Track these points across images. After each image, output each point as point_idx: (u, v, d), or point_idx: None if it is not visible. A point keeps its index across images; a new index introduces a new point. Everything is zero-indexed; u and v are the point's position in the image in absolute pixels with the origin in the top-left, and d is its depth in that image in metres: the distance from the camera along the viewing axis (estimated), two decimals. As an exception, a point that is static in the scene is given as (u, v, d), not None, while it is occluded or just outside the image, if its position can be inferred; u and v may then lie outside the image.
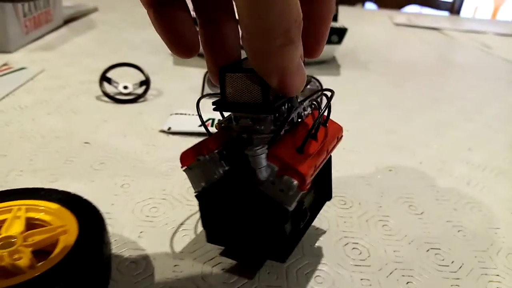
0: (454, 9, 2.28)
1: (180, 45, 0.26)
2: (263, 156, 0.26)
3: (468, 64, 1.12)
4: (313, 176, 0.28)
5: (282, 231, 0.29)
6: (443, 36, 1.46)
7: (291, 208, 0.27)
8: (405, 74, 0.96)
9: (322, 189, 0.36)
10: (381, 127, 0.65)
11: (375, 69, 0.98)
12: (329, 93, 0.31)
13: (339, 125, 0.33)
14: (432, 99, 0.80)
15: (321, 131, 0.30)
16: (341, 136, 0.33)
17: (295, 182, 0.26)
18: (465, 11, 2.43)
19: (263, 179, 0.27)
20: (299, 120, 0.31)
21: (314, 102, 0.32)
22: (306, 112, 0.31)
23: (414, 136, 0.63)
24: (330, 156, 0.33)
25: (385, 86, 0.86)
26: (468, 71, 1.04)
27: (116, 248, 0.35)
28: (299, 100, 0.30)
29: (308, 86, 0.29)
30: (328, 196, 0.37)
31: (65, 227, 0.30)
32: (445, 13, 2.22)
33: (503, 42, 1.43)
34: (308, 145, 0.28)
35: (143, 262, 0.34)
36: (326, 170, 0.36)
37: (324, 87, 0.34)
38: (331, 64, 0.97)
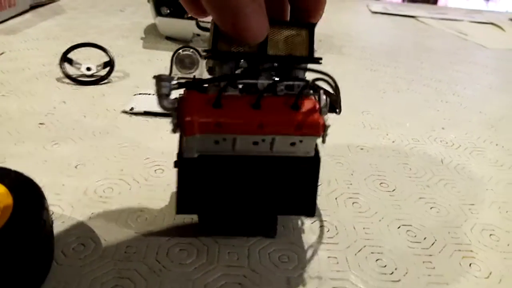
0: (431, 1, 2.28)
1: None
2: (166, 85, 0.26)
3: (443, 49, 1.12)
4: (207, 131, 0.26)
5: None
6: (419, 23, 1.46)
7: (185, 155, 0.27)
8: (380, 58, 0.95)
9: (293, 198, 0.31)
10: (355, 108, 0.63)
11: (351, 53, 0.96)
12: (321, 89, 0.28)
13: (319, 121, 0.27)
14: (407, 81, 0.79)
15: (280, 109, 0.27)
16: (310, 132, 0.27)
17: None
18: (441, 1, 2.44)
19: (161, 104, 0.26)
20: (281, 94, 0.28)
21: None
22: (280, 88, 0.28)
23: (388, 116, 0.61)
24: (315, 168, 0.29)
25: (359, 70, 0.85)
26: (443, 56, 1.03)
27: (63, 229, 0.33)
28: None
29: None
30: (308, 211, 0.31)
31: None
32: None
33: (478, 29, 1.43)
34: (234, 105, 0.26)
35: (92, 244, 0.31)
36: (303, 178, 0.30)
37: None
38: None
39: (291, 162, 0.28)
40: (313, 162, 0.29)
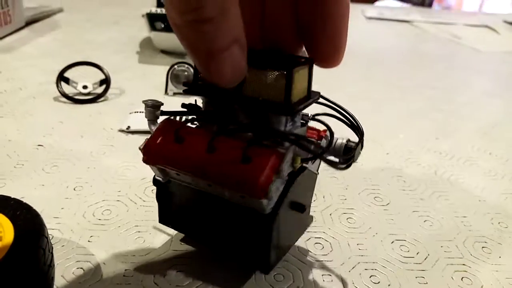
0: (426, 3, 2.30)
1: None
2: (152, 111, 0.28)
3: (437, 54, 1.13)
4: (158, 164, 0.28)
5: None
6: (413, 28, 1.47)
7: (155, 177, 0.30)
8: (375, 65, 0.96)
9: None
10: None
11: (344, 61, 0.96)
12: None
13: (257, 183, 0.23)
14: (401, 89, 0.80)
15: (230, 159, 0.24)
16: (249, 193, 0.24)
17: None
18: (436, 5, 2.46)
19: (150, 128, 0.29)
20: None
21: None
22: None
23: (382, 127, 0.62)
24: (268, 226, 0.26)
25: (353, 79, 0.85)
26: (437, 61, 1.04)
27: (63, 254, 0.33)
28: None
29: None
30: (262, 267, 0.30)
31: (0, 234, 0.28)
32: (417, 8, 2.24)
33: (471, 32, 1.44)
34: (193, 144, 0.26)
35: (91, 268, 0.32)
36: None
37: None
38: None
39: (244, 212, 0.26)
40: (266, 220, 0.25)
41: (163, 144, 0.27)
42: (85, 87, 0.64)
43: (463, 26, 1.52)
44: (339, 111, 0.32)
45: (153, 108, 0.28)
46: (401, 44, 1.23)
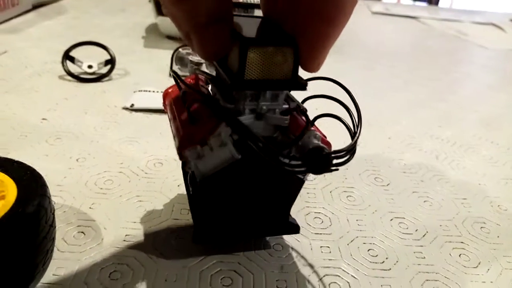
0: (433, 0, 2.29)
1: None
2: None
3: (442, 49, 1.12)
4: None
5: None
6: (419, 24, 1.46)
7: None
8: (379, 58, 0.95)
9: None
10: (350, 105, 0.63)
11: (349, 53, 0.97)
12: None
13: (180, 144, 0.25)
14: (404, 80, 0.80)
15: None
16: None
17: None
18: (443, 2, 2.45)
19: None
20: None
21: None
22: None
23: (384, 113, 0.62)
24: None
25: (356, 68, 0.85)
26: (442, 56, 1.04)
27: (64, 219, 0.34)
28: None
29: None
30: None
31: (3, 193, 0.28)
32: (424, 4, 2.23)
33: (478, 29, 1.43)
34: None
35: (92, 232, 0.32)
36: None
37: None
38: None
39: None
40: (199, 184, 0.26)
41: (173, 91, 0.30)
42: (90, 66, 0.65)
43: (469, 23, 1.52)
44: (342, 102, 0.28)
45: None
46: (407, 39, 1.23)
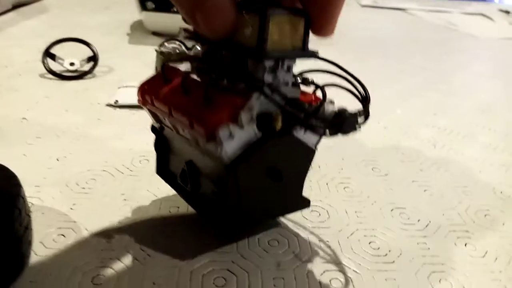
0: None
1: None
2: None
3: (433, 40, 1.11)
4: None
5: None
6: (408, 15, 1.45)
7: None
8: (370, 50, 0.94)
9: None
10: (344, 96, 0.61)
11: (340, 46, 0.95)
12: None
13: (207, 122, 0.23)
14: (396, 71, 0.78)
15: (197, 100, 0.24)
16: (199, 133, 0.24)
17: None
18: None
19: None
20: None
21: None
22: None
23: (379, 103, 0.60)
24: (228, 179, 0.25)
25: (349, 61, 0.84)
26: (434, 46, 1.03)
27: (43, 221, 0.31)
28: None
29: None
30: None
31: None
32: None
33: (468, 20, 1.43)
34: (175, 82, 0.26)
35: (73, 234, 0.30)
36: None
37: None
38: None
39: (214, 166, 0.26)
40: (225, 171, 0.24)
41: (152, 83, 0.28)
42: (72, 64, 0.62)
43: (458, 14, 1.51)
44: (343, 76, 0.29)
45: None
46: (397, 30, 1.22)
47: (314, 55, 0.24)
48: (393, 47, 0.99)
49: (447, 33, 1.20)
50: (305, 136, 0.26)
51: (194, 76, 0.27)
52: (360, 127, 0.24)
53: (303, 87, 0.27)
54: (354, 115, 0.24)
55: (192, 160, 0.28)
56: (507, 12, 1.54)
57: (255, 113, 0.23)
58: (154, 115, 0.29)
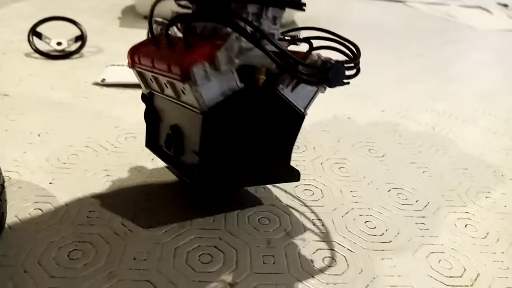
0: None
1: None
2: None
3: (432, 30, 1.10)
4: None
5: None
6: (406, 7, 1.44)
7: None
8: (369, 38, 0.92)
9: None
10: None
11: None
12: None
13: (184, 65, 0.22)
14: (395, 57, 0.76)
15: (178, 49, 0.24)
16: (175, 75, 0.23)
17: None
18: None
19: None
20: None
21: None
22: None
23: (377, 88, 0.58)
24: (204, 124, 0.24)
25: (346, 47, 0.82)
26: (431, 36, 1.01)
27: (19, 195, 0.29)
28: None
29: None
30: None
31: None
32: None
33: (466, 12, 1.41)
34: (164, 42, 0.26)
35: (51, 209, 0.28)
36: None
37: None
38: (290, 27, 0.92)
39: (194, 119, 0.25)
40: (204, 117, 0.23)
41: (142, 45, 0.29)
42: (59, 43, 0.60)
43: (456, 6, 1.49)
44: (333, 38, 0.29)
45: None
46: (395, 21, 1.20)
47: (299, 7, 0.24)
48: (391, 35, 0.97)
49: (446, 24, 1.18)
50: (293, 96, 0.25)
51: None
52: (349, 79, 0.24)
53: (294, 48, 0.26)
54: (341, 63, 0.23)
55: (177, 124, 0.26)
56: (506, 5, 1.53)
57: (234, 55, 0.22)
58: (142, 78, 0.28)
